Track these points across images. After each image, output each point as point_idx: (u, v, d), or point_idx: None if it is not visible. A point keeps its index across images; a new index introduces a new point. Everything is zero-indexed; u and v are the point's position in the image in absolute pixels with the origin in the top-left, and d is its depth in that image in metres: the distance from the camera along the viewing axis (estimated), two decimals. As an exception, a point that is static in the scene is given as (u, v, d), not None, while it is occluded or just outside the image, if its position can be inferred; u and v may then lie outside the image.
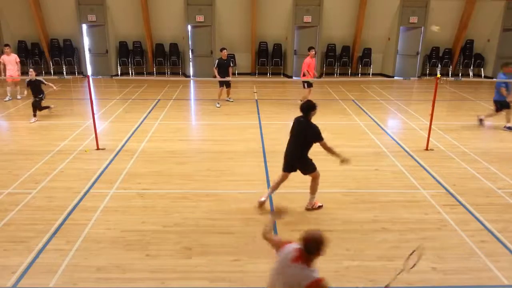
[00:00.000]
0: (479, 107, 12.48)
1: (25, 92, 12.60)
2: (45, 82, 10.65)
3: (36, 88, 10.51)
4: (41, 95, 10.64)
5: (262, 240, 5.23)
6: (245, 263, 4.81)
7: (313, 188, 6.03)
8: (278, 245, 3.05)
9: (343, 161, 5.80)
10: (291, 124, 5.94)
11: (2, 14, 16.19)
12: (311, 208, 6.07)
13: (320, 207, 6.11)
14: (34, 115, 10.50)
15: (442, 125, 10.29)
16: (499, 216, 5.90)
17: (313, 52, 11.71)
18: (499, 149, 8.75)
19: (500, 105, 10.08)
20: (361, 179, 7.15)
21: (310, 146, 5.78)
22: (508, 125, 10.12)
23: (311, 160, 5.91)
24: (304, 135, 5.71)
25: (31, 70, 10.81)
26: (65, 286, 4.40)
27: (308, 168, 5.92)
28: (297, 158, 5.86)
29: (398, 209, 6.11)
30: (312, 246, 2.77)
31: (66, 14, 16.42)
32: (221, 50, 12.45)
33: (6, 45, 12.93)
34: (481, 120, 10.51)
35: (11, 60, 12.41)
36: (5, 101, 12.48)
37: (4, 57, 12.42)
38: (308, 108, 5.67)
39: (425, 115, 11.13)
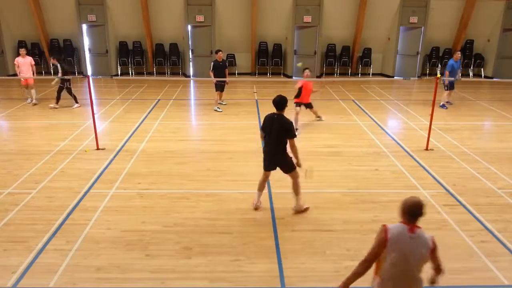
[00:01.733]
0: (479, 107, 12.49)
1: (34, 97, 12.67)
2: (59, 71, 11.63)
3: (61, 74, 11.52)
4: (65, 82, 11.70)
5: (261, 240, 5.30)
6: (245, 263, 4.81)
7: (296, 189, 5.87)
8: (380, 245, 3.13)
9: (300, 167, 5.73)
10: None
11: (2, 14, 16.19)
12: (301, 211, 5.92)
13: (306, 209, 5.98)
14: (76, 102, 11.94)
15: (442, 125, 10.29)
16: (499, 216, 5.90)
17: (307, 73, 9.76)
18: (499, 149, 8.75)
19: (450, 85, 11.98)
20: (361, 179, 7.15)
21: (286, 142, 5.65)
22: (447, 101, 12.27)
23: (291, 158, 5.77)
24: (279, 131, 5.56)
25: (52, 58, 11.89)
26: (65, 286, 4.40)
27: (289, 167, 5.79)
28: (279, 155, 5.71)
29: (398, 209, 6.09)
30: (417, 211, 3.10)
31: (66, 14, 16.42)
32: (217, 52, 11.93)
33: (22, 47, 12.95)
34: (443, 106, 12.13)
35: (26, 63, 12.23)
36: (34, 104, 12.26)
37: (19, 59, 12.23)
38: (284, 102, 5.58)
39: (425, 115, 11.13)
